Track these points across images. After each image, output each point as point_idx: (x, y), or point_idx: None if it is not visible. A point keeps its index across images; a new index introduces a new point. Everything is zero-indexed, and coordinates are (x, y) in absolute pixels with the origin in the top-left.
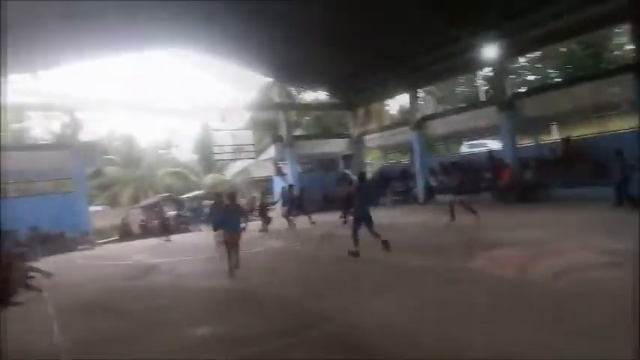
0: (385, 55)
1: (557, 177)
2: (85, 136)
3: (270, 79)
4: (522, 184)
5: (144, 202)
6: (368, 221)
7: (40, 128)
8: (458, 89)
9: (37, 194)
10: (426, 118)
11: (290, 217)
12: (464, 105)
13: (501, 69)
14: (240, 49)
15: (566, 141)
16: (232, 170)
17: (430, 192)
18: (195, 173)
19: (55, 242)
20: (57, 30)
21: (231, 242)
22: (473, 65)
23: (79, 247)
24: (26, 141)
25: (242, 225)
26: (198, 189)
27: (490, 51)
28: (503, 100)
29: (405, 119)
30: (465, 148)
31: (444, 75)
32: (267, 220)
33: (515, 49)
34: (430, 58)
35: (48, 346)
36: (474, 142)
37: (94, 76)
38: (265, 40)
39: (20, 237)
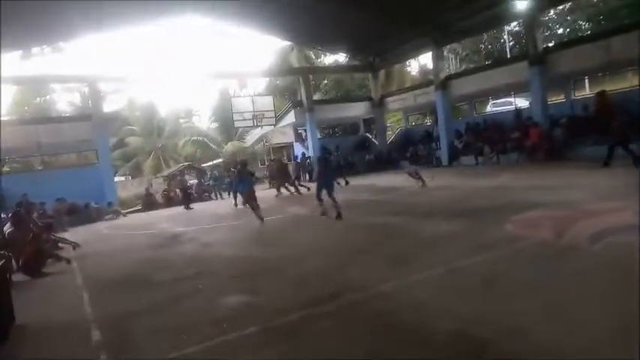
0: (407, 13)
1: (590, 135)
2: (106, 107)
3: (288, 43)
4: (552, 143)
5: (166, 172)
6: (329, 188)
7: (63, 102)
8: (482, 46)
9: (62, 166)
10: (451, 77)
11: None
12: (491, 62)
13: (532, 21)
14: (258, 13)
15: (601, 95)
16: (252, 138)
17: (455, 154)
18: (216, 142)
19: (81, 213)
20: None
21: (247, 199)
22: (501, 19)
23: (105, 218)
24: (49, 114)
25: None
26: (219, 157)
27: (520, 3)
28: (534, 54)
29: (427, 80)
30: (490, 108)
31: (471, 31)
32: (280, 183)
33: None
34: (456, 14)
35: (78, 318)
36: (499, 100)
37: (113, 48)
38: (283, 2)
39: (47, 209)
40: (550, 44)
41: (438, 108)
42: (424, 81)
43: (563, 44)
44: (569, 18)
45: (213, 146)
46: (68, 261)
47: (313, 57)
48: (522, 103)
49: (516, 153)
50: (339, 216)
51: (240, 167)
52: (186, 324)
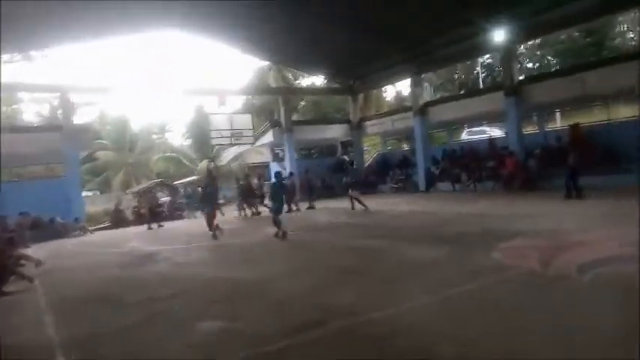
0: (389, 39)
1: (564, 165)
2: (77, 119)
3: (267, 63)
4: (528, 173)
5: (136, 188)
6: (279, 211)
7: (31, 112)
8: (456, 75)
9: (27, 178)
10: (429, 104)
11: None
12: (468, 91)
13: (509, 53)
14: (239, 32)
15: (574, 127)
16: (227, 156)
17: (432, 180)
18: (190, 159)
19: (46, 228)
20: (49, 10)
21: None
22: (479, 49)
23: (71, 234)
24: (17, 124)
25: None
26: (193, 175)
27: (499, 35)
28: (510, 85)
29: (405, 105)
30: (465, 135)
31: (451, 60)
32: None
33: (525, 33)
34: (437, 42)
35: (40, 338)
36: (475, 128)
37: (86, 58)
38: (264, 22)
39: (9, 223)
40: (521, 77)
41: (416, 133)
42: (402, 106)
43: (538, 76)
44: (538, 53)
45: (187, 163)
46: (31, 280)
47: (291, 77)
48: (496, 132)
49: (492, 181)
50: (284, 235)
51: (209, 180)
52: (159, 350)
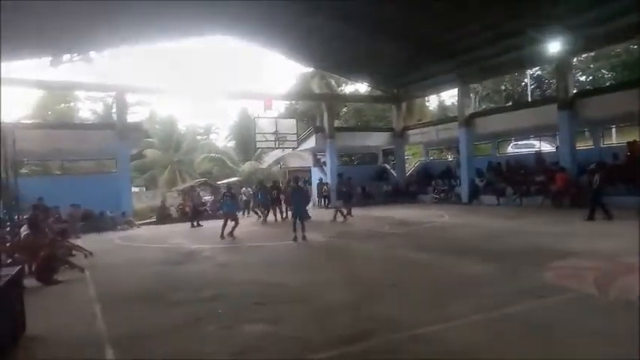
0: (436, 48)
1: (621, 183)
2: (129, 117)
3: (311, 70)
4: (580, 189)
5: (182, 186)
6: (302, 217)
7: (86, 110)
8: (503, 87)
9: (81, 173)
10: (476, 115)
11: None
12: (518, 103)
13: (564, 65)
14: (286, 37)
15: (632, 144)
16: (269, 159)
17: (475, 192)
18: (233, 160)
19: (95, 220)
20: (108, 12)
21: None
22: (531, 61)
23: (119, 227)
24: (73, 121)
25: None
26: (235, 176)
27: (554, 46)
28: (564, 98)
29: (447, 116)
30: (511, 148)
31: (499, 70)
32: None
33: (583, 44)
34: (486, 52)
35: (91, 334)
36: (521, 142)
37: (140, 61)
38: (311, 29)
39: (62, 214)
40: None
41: (461, 144)
42: (447, 117)
43: (594, 90)
44: (592, 66)
45: (231, 164)
46: (82, 270)
47: (334, 84)
48: (546, 147)
49: (540, 196)
50: (304, 238)
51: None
52: (204, 353)
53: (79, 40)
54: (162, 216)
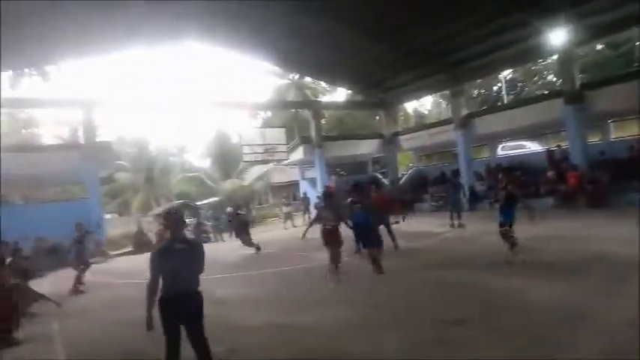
0: (423, 47)
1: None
2: (97, 138)
3: (287, 81)
4: (598, 188)
5: (159, 210)
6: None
7: (50, 136)
8: (475, 92)
9: (45, 201)
10: (473, 115)
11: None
12: (521, 99)
13: (569, 56)
14: (263, 39)
15: None
16: (251, 175)
17: (476, 197)
18: (212, 179)
19: (65, 254)
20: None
21: None
22: (535, 53)
23: (92, 260)
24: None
25: None
26: (215, 195)
27: (557, 37)
28: (571, 91)
29: (439, 119)
30: (499, 151)
31: (493, 68)
32: None
33: (586, 34)
34: (480, 48)
35: None
36: (510, 143)
37: (105, 73)
38: (292, 29)
39: (25, 248)
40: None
41: (459, 148)
42: (441, 119)
43: (605, 80)
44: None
45: (211, 183)
46: (58, 304)
47: (310, 95)
48: (536, 147)
49: (551, 197)
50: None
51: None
52: None
53: (38, 52)
54: (140, 243)
